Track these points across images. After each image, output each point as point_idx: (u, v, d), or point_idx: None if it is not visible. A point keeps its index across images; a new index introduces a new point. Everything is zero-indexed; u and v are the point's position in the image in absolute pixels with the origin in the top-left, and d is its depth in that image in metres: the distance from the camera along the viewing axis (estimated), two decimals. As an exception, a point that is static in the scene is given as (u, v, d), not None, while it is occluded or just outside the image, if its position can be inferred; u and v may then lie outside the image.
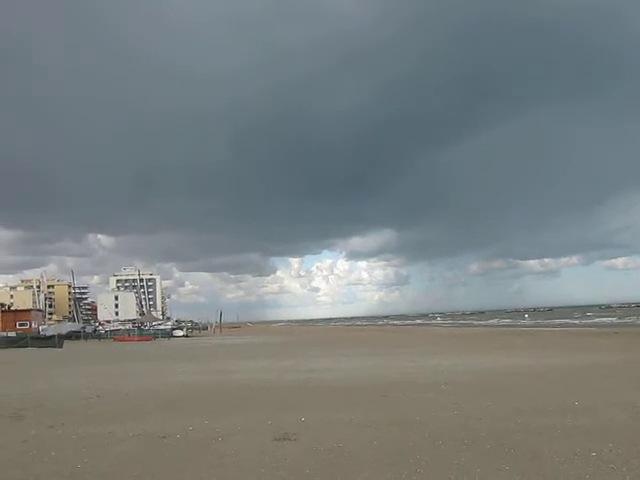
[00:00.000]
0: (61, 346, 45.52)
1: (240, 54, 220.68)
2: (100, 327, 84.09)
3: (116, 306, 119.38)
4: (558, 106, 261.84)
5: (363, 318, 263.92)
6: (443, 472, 6.15)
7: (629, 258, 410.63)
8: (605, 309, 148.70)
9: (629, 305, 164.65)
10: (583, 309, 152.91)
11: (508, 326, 76.08)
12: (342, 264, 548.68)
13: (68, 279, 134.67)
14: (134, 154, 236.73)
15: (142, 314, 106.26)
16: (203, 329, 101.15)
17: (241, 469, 6.52)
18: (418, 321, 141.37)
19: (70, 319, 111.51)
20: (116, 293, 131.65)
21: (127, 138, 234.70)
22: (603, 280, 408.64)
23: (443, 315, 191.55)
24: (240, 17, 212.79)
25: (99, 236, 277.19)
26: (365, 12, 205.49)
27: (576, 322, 78.41)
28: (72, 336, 63.34)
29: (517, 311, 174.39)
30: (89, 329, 78.85)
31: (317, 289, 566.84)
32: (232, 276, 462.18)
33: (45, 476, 6.46)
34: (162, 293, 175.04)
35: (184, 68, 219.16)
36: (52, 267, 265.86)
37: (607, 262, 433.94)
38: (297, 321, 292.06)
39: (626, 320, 74.98)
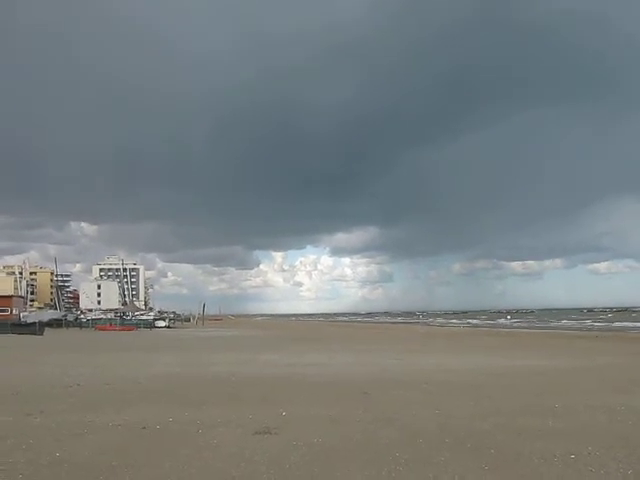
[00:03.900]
0: (42, 333, 45.29)
1: (225, 40, 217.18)
2: (82, 315, 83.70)
3: (98, 295, 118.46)
4: (544, 110, 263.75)
5: (346, 314, 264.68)
6: (423, 470, 6.16)
7: (612, 262, 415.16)
8: (587, 312, 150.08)
9: (611, 309, 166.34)
10: (565, 312, 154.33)
11: (490, 327, 76.51)
12: (326, 260, 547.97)
13: (50, 266, 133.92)
14: (119, 143, 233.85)
15: (125, 304, 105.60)
16: (185, 320, 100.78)
17: (221, 462, 6.49)
18: (401, 319, 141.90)
19: (52, 307, 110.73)
20: (99, 282, 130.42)
21: (112, 126, 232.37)
22: (586, 284, 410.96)
23: (425, 314, 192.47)
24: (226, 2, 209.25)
25: (82, 224, 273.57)
26: (354, 3, 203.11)
27: (558, 325, 79.07)
28: (53, 324, 63.05)
29: (499, 312, 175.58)
30: (71, 317, 78.59)
31: (300, 284, 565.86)
32: (215, 268, 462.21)
33: (23, 464, 6.38)
34: (145, 283, 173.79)
35: (168, 51, 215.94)
36: (34, 254, 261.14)
37: (590, 266, 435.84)
38: (279, 315, 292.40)
39: (607, 324, 75.72)
